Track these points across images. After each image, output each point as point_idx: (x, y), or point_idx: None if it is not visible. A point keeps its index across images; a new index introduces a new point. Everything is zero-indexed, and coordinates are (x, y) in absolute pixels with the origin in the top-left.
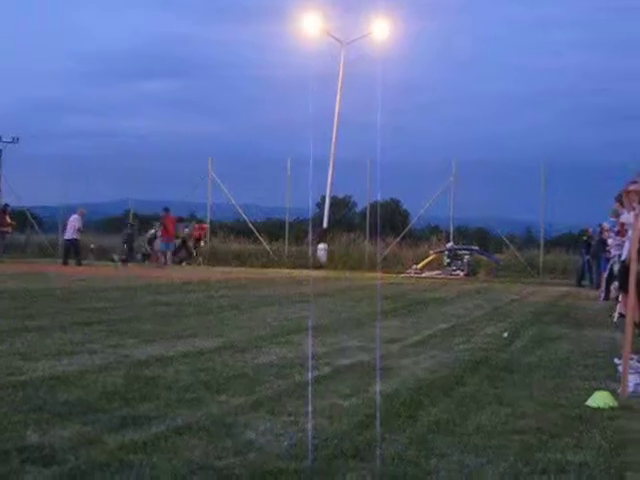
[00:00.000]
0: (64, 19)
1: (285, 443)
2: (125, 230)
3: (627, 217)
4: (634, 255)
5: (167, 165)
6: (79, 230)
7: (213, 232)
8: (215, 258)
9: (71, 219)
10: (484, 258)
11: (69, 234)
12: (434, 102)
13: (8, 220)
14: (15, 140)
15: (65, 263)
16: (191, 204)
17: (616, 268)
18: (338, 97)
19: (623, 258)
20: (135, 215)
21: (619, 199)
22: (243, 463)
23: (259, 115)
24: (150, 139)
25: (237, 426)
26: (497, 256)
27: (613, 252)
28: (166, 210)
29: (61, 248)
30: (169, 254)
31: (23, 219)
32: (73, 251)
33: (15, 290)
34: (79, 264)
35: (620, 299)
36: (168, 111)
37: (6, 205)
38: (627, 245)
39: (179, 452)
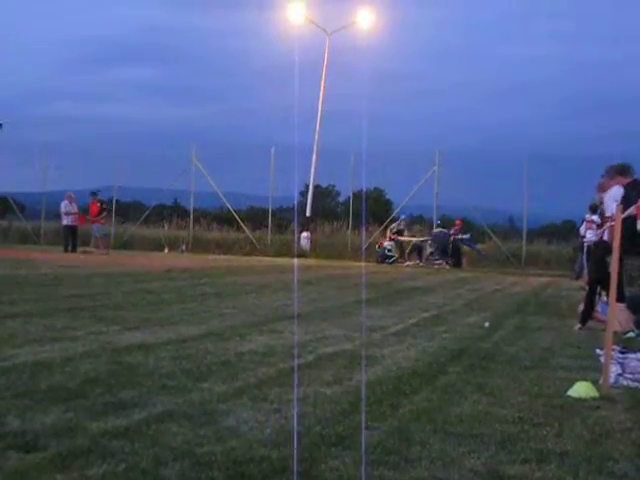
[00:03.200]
0: (45, 6)
1: (267, 430)
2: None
3: (610, 211)
4: (616, 249)
5: (150, 152)
6: (67, 214)
7: (196, 220)
8: (198, 246)
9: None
10: (467, 248)
11: (63, 221)
12: (418, 92)
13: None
14: (0, 126)
15: (65, 250)
16: (174, 192)
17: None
18: (322, 86)
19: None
20: (117, 202)
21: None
22: (225, 450)
23: (243, 103)
24: (133, 126)
25: (219, 413)
26: (479, 246)
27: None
28: (94, 194)
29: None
30: (105, 238)
31: (5, 205)
32: (63, 237)
33: None
34: (68, 250)
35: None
36: (151, 98)
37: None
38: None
39: (161, 439)
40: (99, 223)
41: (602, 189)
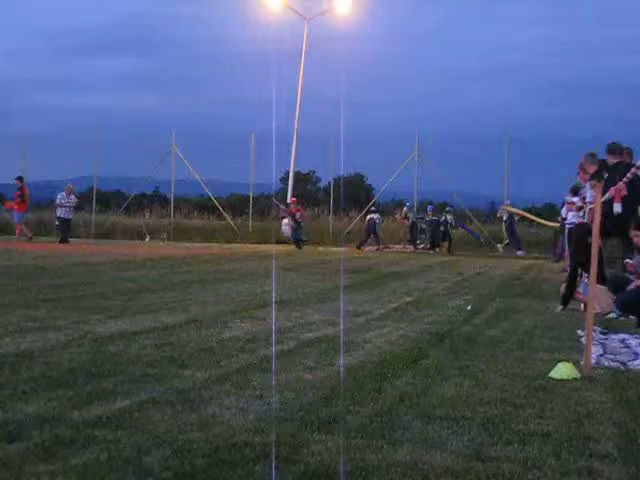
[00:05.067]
0: None
1: (250, 417)
2: None
3: (590, 195)
4: (596, 231)
5: (131, 141)
6: (63, 206)
7: (177, 208)
8: (179, 234)
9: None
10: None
11: (57, 213)
12: (397, 77)
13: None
14: None
15: (62, 241)
16: (155, 180)
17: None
18: (301, 72)
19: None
20: (98, 191)
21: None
22: (208, 437)
23: (222, 91)
24: (114, 115)
25: (202, 400)
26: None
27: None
28: (20, 179)
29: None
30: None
31: None
32: (60, 228)
33: None
34: (67, 241)
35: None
36: (131, 87)
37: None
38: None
39: (144, 427)
40: (21, 210)
41: (583, 171)
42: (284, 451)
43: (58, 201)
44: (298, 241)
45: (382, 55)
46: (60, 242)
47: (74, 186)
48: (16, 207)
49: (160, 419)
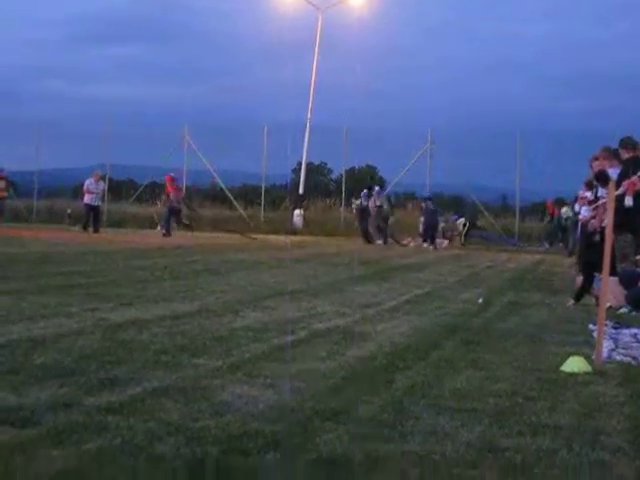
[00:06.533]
0: None
1: (261, 405)
2: None
3: (602, 192)
4: (610, 228)
5: (143, 130)
6: (90, 193)
7: (189, 198)
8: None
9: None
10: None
11: (84, 199)
12: (411, 68)
13: (3, 185)
14: None
15: (83, 228)
16: (167, 170)
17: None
18: (315, 63)
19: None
20: (110, 180)
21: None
22: (219, 425)
23: (235, 81)
24: (126, 104)
25: (213, 389)
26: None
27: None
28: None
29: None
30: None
31: None
32: (86, 217)
33: None
34: (87, 229)
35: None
36: (143, 76)
37: (0, 170)
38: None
39: (156, 414)
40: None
41: (600, 162)
42: (295, 440)
43: (86, 187)
44: (168, 227)
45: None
46: (93, 231)
47: (101, 173)
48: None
49: (172, 407)
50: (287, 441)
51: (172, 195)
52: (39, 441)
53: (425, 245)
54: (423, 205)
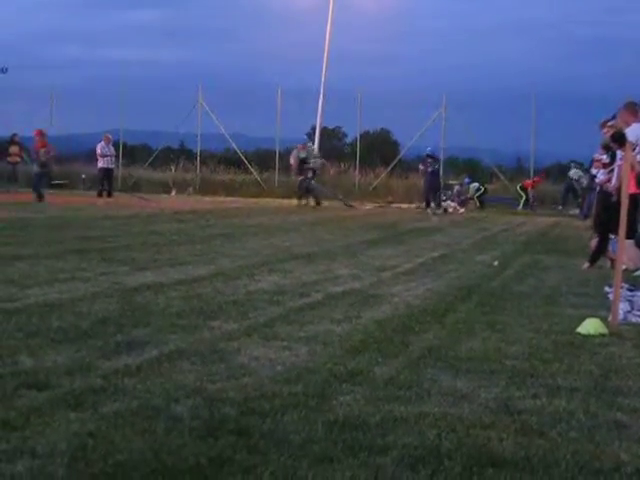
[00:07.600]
0: None
1: (278, 368)
2: None
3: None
4: (624, 190)
5: (156, 95)
6: (104, 157)
7: (203, 162)
8: (205, 188)
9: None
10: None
11: (98, 163)
12: (425, 31)
13: (17, 150)
14: (4, 70)
15: (99, 194)
16: (181, 134)
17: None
18: (329, 27)
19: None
20: (124, 145)
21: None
22: (236, 387)
23: (248, 45)
24: (139, 68)
25: (230, 351)
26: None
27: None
28: None
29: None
30: None
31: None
32: (100, 182)
33: (6, 219)
34: (102, 195)
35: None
36: (156, 40)
37: (14, 135)
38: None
39: (173, 376)
40: None
41: (622, 121)
42: (312, 402)
43: (99, 150)
44: (39, 190)
45: (410, 9)
46: (107, 195)
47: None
48: None
49: (189, 369)
50: (304, 403)
51: (41, 151)
52: (57, 404)
53: (429, 211)
54: (421, 166)
